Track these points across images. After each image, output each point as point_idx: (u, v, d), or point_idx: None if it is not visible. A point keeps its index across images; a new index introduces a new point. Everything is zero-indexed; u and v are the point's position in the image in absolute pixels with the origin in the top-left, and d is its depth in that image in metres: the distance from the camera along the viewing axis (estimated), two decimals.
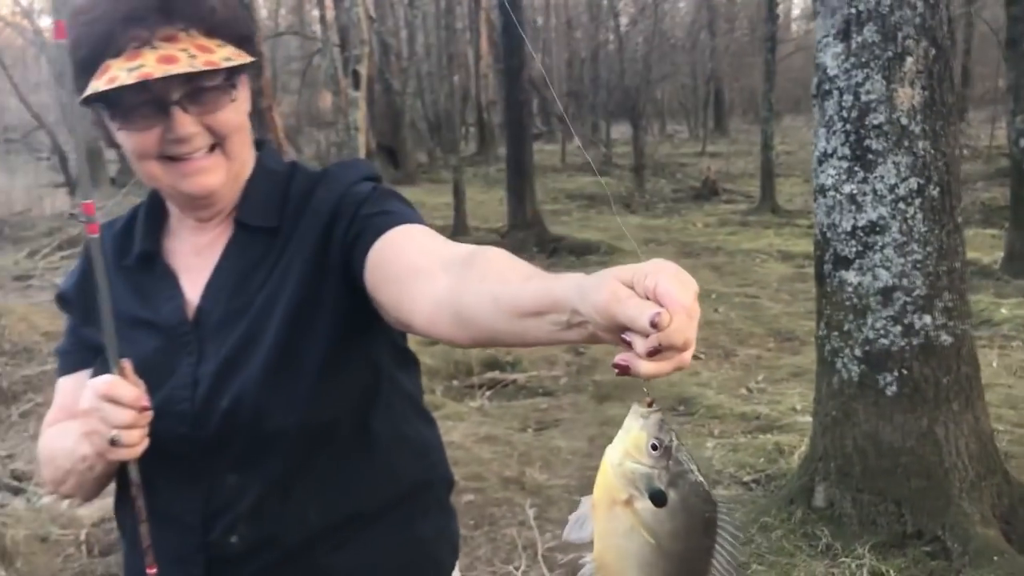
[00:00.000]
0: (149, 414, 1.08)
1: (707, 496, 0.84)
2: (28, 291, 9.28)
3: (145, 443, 1.09)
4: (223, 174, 1.17)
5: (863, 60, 3.13)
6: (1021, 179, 8.05)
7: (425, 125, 23.61)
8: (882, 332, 3.17)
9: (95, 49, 1.09)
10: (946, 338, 3.14)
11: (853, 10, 3.13)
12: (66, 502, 4.56)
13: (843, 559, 3.09)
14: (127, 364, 1.09)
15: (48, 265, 10.60)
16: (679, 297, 0.73)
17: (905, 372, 3.15)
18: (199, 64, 1.07)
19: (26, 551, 3.93)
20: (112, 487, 1.24)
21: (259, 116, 8.00)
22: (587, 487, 3.31)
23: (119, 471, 1.18)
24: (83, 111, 1.15)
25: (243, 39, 1.17)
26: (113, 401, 1.05)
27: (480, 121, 24.06)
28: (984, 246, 9.35)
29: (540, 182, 16.78)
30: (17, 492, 4.90)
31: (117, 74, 1.06)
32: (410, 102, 20.60)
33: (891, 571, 3.00)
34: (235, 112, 1.16)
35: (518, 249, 10.02)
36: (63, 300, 1.31)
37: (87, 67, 1.10)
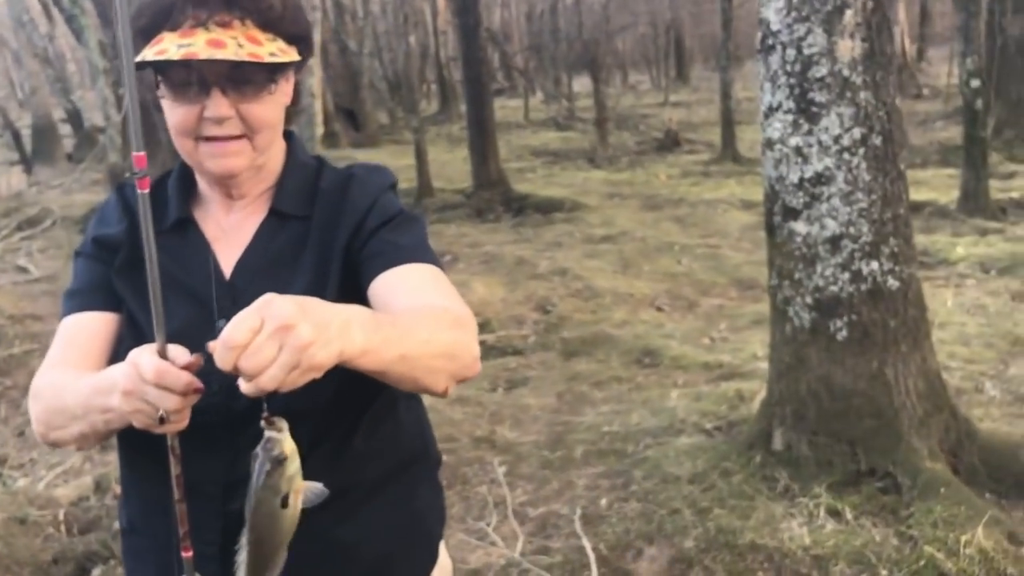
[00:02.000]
0: (197, 395, 1.03)
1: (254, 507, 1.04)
2: None
3: (188, 417, 1.05)
4: (246, 161, 1.23)
5: (804, 14, 3.19)
6: (973, 119, 8.18)
7: (385, 85, 23.40)
8: (831, 279, 3.27)
9: (155, 20, 1.17)
10: (893, 283, 3.25)
11: None
12: (42, 484, 4.60)
13: (800, 499, 3.22)
14: (198, 359, 1.03)
15: (8, 247, 10.46)
16: (220, 337, 0.91)
17: (855, 317, 3.26)
18: (243, 55, 1.13)
19: (4, 534, 3.97)
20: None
21: None
22: (555, 442, 3.42)
23: (126, 437, 1.19)
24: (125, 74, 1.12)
25: (297, 38, 1.23)
26: (163, 388, 1.00)
27: (441, 79, 23.88)
28: (942, 186, 9.51)
29: (504, 139, 16.73)
30: None
31: (167, 47, 1.13)
32: (367, 63, 20.39)
33: (846, 508, 3.13)
34: (271, 105, 1.23)
35: (484, 210, 10.06)
36: (102, 244, 1.30)
37: (145, 35, 1.17)
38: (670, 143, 14.28)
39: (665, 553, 3.15)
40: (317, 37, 6.89)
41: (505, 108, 23.43)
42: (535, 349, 5.82)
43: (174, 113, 1.20)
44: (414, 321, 1.10)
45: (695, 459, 3.66)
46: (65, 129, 19.97)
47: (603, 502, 3.57)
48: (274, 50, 1.18)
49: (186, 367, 1.01)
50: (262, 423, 1.00)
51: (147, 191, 1.03)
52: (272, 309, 0.92)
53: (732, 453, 3.59)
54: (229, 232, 1.29)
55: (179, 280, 1.24)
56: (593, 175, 12.66)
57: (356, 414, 1.25)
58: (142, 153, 1.04)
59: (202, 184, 1.31)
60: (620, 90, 25.05)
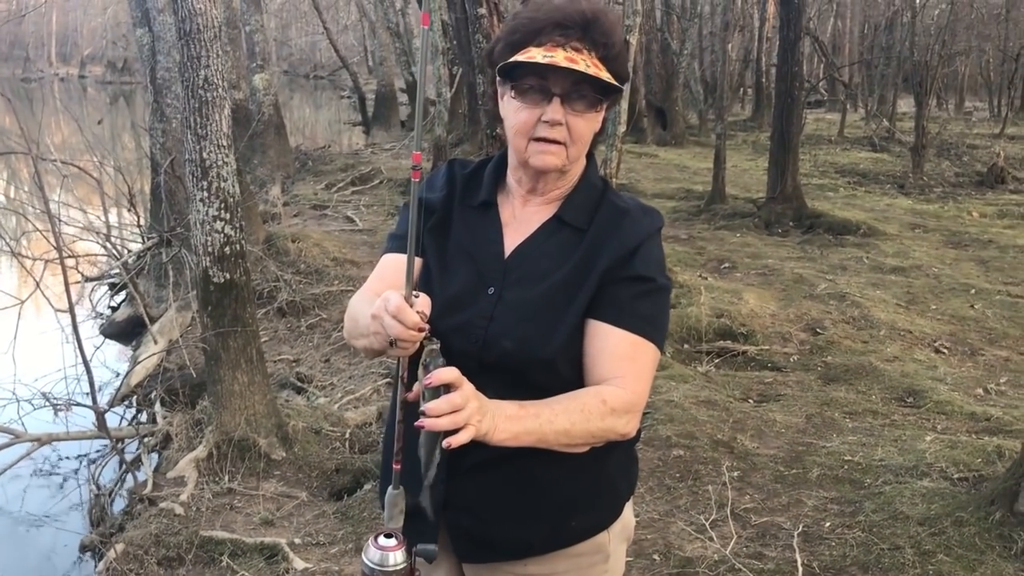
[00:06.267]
0: (422, 333, 1.34)
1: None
2: (323, 220, 10.47)
3: (414, 349, 1.35)
4: (559, 162, 1.53)
5: None
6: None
7: (701, 88, 23.43)
8: None
9: (526, 37, 1.49)
10: None
11: None
12: (336, 406, 5.36)
13: None
14: (423, 299, 1.36)
15: (341, 198, 11.79)
16: (443, 397, 1.30)
17: None
18: (591, 72, 1.45)
19: (303, 440, 4.72)
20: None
21: None
22: (792, 460, 3.68)
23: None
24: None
25: (619, 77, 1.52)
26: (397, 319, 1.32)
27: (758, 86, 23.52)
28: None
29: (811, 153, 16.34)
30: (300, 391, 5.80)
31: (533, 55, 1.46)
32: (687, 63, 20.54)
33: None
34: (590, 124, 1.53)
35: (773, 223, 10.00)
36: (423, 204, 1.58)
37: (515, 47, 1.49)
38: (993, 179, 13.23)
39: None
40: (634, 43, 7.23)
41: (821, 121, 22.69)
42: (795, 368, 5.84)
43: (519, 115, 1.50)
44: (564, 413, 1.44)
45: (931, 503, 3.63)
46: (403, 98, 21.94)
47: (827, 524, 3.64)
48: (608, 78, 1.48)
49: (419, 312, 1.33)
50: (428, 338, 1.36)
51: (419, 181, 1.37)
52: (470, 403, 1.32)
53: (971, 505, 3.52)
54: (519, 220, 1.61)
55: (469, 251, 1.59)
56: (899, 202, 12.07)
57: (562, 389, 1.51)
58: (419, 152, 1.39)
59: (511, 177, 1.63)
60: (952, 116, 23.35)
